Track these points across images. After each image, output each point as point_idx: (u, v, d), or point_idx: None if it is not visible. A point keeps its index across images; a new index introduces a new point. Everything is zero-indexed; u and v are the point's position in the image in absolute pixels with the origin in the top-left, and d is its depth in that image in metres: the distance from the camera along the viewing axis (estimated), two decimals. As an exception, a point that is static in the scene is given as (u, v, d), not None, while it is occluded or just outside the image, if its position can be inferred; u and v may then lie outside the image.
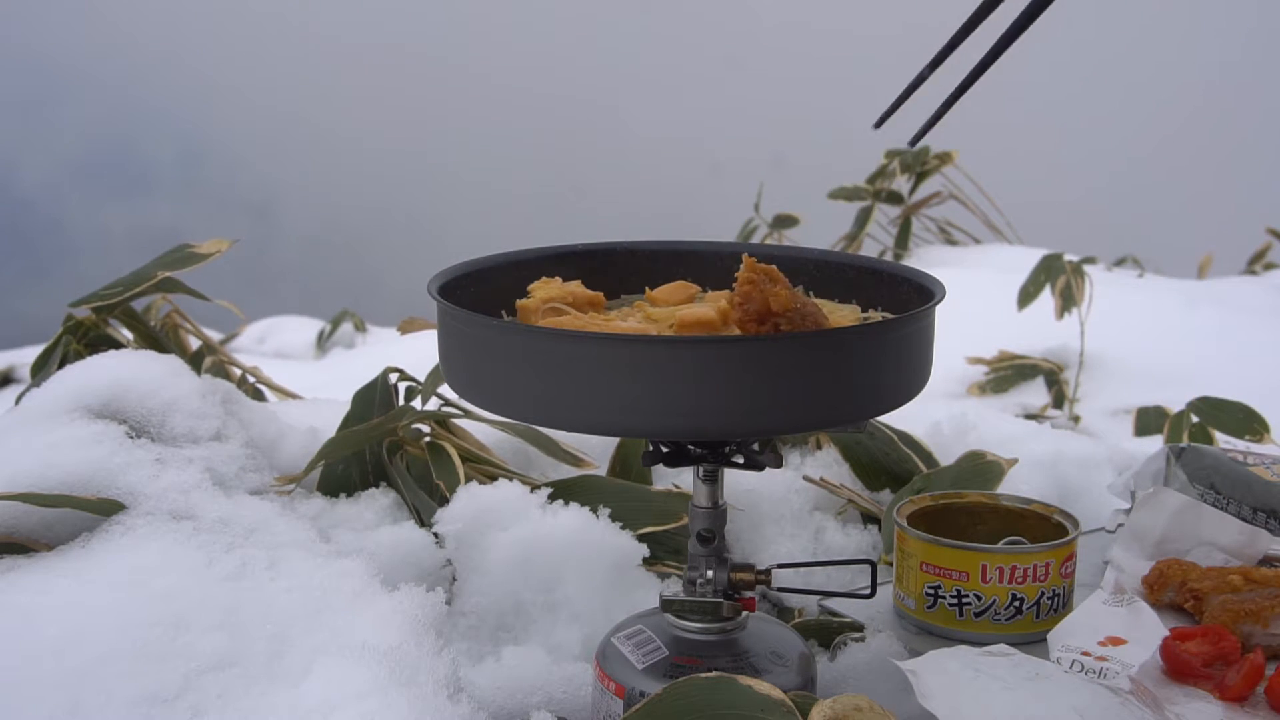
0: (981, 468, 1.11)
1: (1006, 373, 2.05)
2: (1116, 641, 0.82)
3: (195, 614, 0.76)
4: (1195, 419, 1.45)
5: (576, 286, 0.84)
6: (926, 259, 2.82)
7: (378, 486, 1.09)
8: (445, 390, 1.17)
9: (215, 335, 2.29)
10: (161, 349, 1.25)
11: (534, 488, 1.02)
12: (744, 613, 0.81)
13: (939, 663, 0.71)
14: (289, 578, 0.82)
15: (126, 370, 1.03)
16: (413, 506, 1.06)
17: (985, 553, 0.89)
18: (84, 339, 1.23)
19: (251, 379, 1.39)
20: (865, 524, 1.13)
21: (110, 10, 6.65)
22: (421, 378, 1.18)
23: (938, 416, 1.28)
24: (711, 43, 6.36)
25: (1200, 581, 0.89)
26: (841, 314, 0.84)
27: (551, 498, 1.01)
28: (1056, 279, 2.01)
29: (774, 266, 0.74)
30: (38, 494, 0.86)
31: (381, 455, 1.10)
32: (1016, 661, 0.72)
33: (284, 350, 3.04)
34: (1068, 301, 1.99)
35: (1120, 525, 1.00)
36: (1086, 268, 2.05)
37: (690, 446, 0.78)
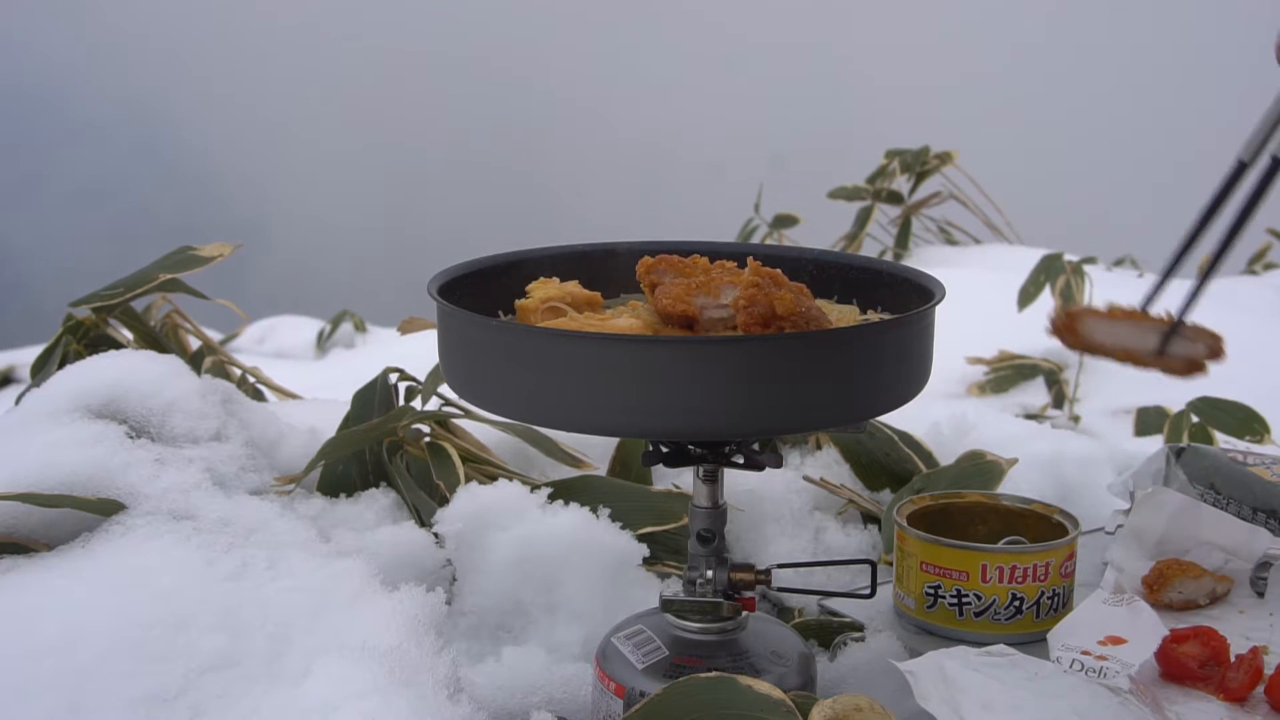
0: (981, 468, 1.11)
1: (1006, 373, 2.05)
2: (1116, 641, 0.82)
3: (195, 614, 0.76)
4: (1195, 419, 1.45)
5: (574, 286, 0.84)
6: (926, 259, 2.82)
7: (378, 486, 1.09)
8: (445, 390, 1.17)
9: (215, 335, 2.29)
10: (161, 349, 1.25)
11: (534, 488, 1.02)
12: (744, 613, 0.81)
13: (938, 663, 0.71)
14: (289, 578, 0.82)
15: (126, 370, 1.03)
16: (413, 506, 1.06)
17: (985, 553, 0.89)
18: (84, 339, 1.23)
19: (251, 379, 1.39)
20: (865, 524, 1.13)
21: (92, 18, 6.65)
22: (421, 378, 1.18)
23: (938, 416, 1.28)
24: (712, 43, 6.36)
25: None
26: (840, 314, 0.84)
27: (551, 498, 1.01)
28: (1056, 279, 2.01)
29: (779, 270, 0.74)
30: (38, 494, 0.86)
31: (381, 455, 1.10)
32: (1015, 662, 0.72)
33: (284, 350, 3.04)
34: (1068, 301, 1.99)
35: (1120, 527, 1.00)
36: (1086, 268, 2.05)
37: (690, 446, 0.78)
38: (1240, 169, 0.73)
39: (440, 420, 1.14)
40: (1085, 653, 0.80)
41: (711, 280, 0.75)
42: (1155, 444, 1.31)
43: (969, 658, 0.72)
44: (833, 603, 0.97)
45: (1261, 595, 0.93)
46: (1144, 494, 0.98)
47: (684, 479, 1.13)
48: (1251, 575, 0.94)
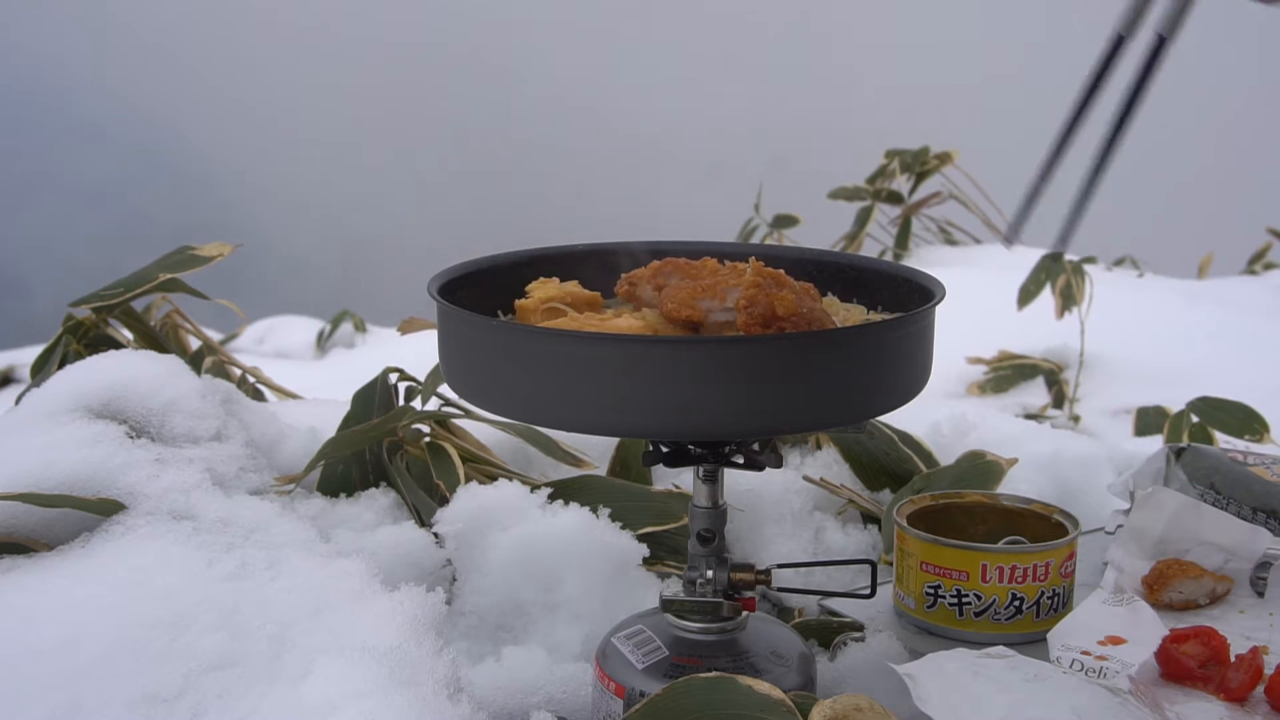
0: (981, 468, 1.11)
1: (1006, 373, 2.05)
2: (1116, 641, 0.82)
3: (195, 614, 0.76)
4: (1195, 419, 1.45)
5: (574, 286, 0.84)
6: (926, 259, 2.82)
7: (378, 486, 1.09)
8: (445, 390, 1.17)
9: (215, 335, 2.29)
10: (161, 349, 1.25)
11: (534, 488, 1.02)
12: (744, 613, 0.81)
13: (937, 665, 0.71)
14: (289, 578, 0.82)
15: (126, 370, 1.03)
16: (413, 506, 1.06)
17: (985, 552, 0.89)
18: (84, 339, 1.23)
19: (251, 379, 1.39)
20: (865, 524, 1.13)
21: (92, 19, 6.64)
22: (421, 378, 1.18)
23: (938, 416, 1.28)
24: (712, 43, 6.36)
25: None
26: (848, 313, 0.84)
27: (551, 498, 1.01)
28: (1056, 279, 2.01)
29: (782, 271, 0.74)
30: (38, 494, 0.86)
31: (381, 455, 1.10)
32: (1014, 663, 0.72)
33: (284, 350, 3.04)
34: (1068, 301, 1.99)
35: (1120, 527, 1.00)
36: (1086, 267, 2.05)
37: (690, 446, 0.78)
38: (1119, 42, 0.68)
39: (440, 420, 1.14)
40: (1085, 653, 0.80)
41: (718, 283, 0.75)
42: (1155, 444, 1.31)
43: (968, 659, 0.72)
44: (833, 603, 0.97)
45: (1261, 595, 0.93)
46: (1144, 494, 0.98)
47: (684, 479, 1.13)
48: (1251, 575, 0.94)
